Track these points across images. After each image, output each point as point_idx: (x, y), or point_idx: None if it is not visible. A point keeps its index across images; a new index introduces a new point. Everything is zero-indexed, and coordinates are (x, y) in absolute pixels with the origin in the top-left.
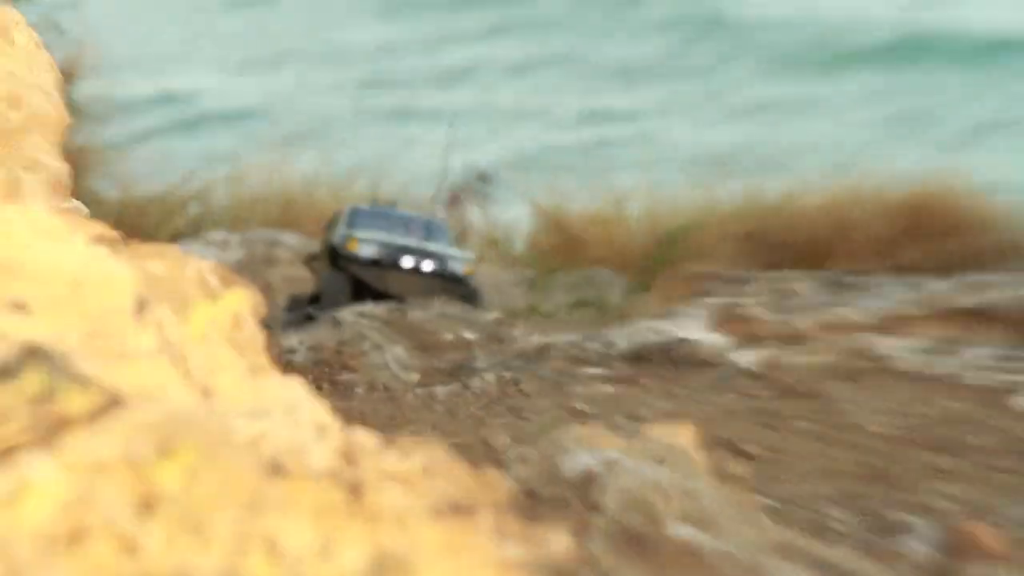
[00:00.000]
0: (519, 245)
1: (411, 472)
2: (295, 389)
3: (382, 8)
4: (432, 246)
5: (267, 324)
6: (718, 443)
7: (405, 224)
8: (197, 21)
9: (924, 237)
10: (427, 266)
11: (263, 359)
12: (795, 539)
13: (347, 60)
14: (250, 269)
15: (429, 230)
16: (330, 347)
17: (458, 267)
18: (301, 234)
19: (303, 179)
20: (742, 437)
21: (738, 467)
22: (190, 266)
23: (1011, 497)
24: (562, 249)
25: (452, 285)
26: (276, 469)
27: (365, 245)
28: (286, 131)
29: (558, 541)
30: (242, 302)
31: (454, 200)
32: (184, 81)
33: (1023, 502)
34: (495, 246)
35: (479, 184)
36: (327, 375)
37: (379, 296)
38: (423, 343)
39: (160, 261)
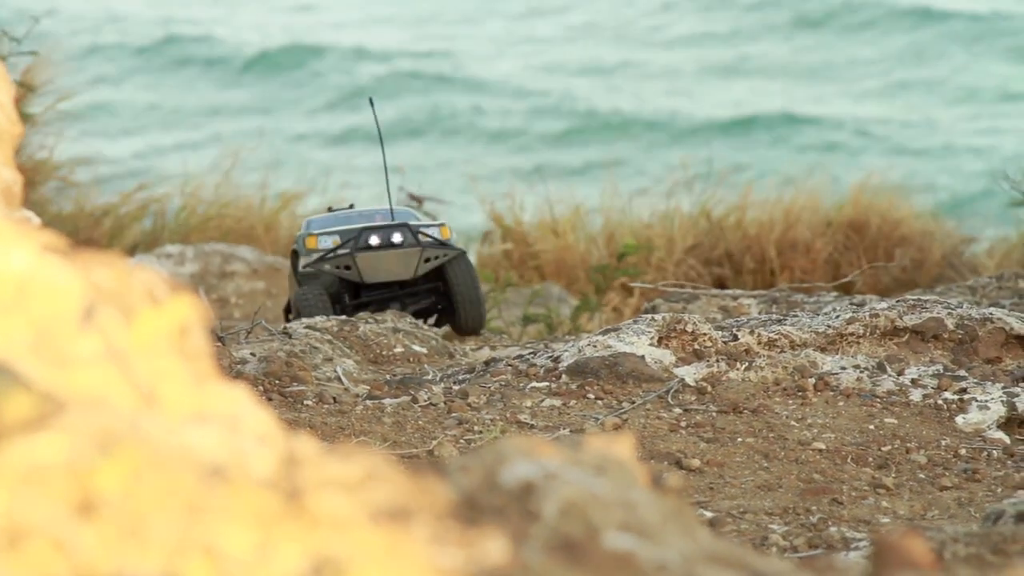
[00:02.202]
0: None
1: (351, 479)
2: (239, 398)
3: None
4: (397, 222)
5: (218, 336)
6: (662, 457)
7: (367, 217)
8: None
9: (867, 254)
10: (397, 238)
11: (208, 368)
12: (732, 550)
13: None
14: (205, 283)
15: (392, 216)
16: (280, 359)
17: (433, 231)
18: (257, 248)
19: (259, 193)
20: (685, 451)
21: (680, 481)
22: (137, 276)
23: (951, 513)
24: (516, 264)
25: (433, 251)
26: (216, 475)
27: (324, 237)
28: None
29: (495, 548)
30: (188, 312)
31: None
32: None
33: (963, 519)
34: None
35: (412, 204)
36: (277, 387)
37: (357, 290)
38: (374, 356)
39: (107, 270)
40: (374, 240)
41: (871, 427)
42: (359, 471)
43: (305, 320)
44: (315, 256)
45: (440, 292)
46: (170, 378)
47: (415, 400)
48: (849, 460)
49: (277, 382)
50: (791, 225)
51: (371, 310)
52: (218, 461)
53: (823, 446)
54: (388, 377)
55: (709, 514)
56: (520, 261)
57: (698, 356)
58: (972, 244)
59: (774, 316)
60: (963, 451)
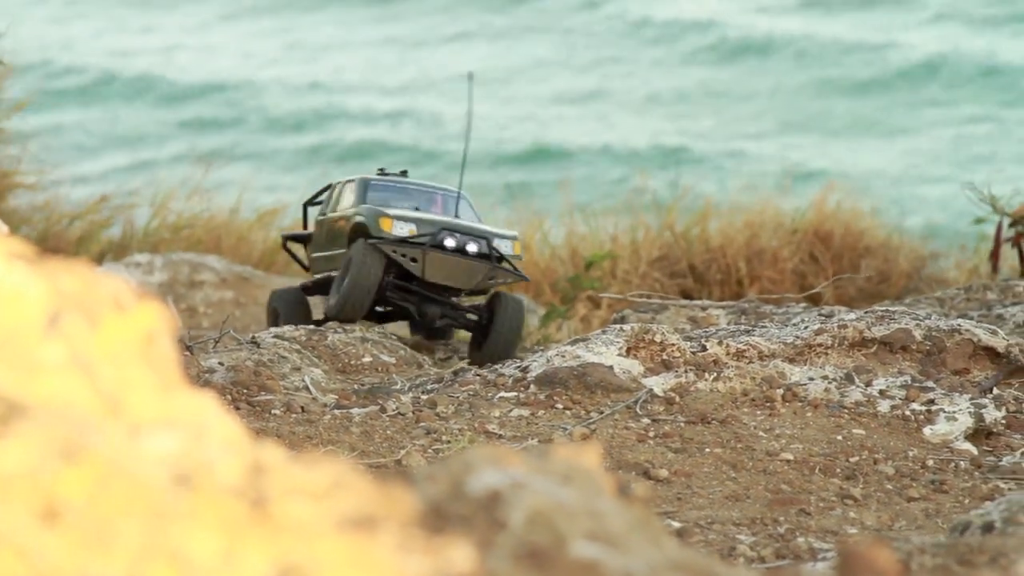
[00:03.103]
0: None
1: (317, 487)
2: (206, 406)
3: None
4: (472, 223)
5: (186, 345)
6: (630, 467)
7: (429, 198)
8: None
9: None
10: (472, 247)
11: (175, 376)
12: (697, 560)
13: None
14: (173, 292)
15: (456, 204)
16: (248, 368)
17: (506, 247)
18: (225, 258)
19: (228, 204)
20: (653, 461)
21: (648, 491)
22: (103, 284)
23: (919, 524)
24: None
25: (502, 274)
26: (181, 482)
27: (401, 223)
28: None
29: (460, 556)
30: (154, 319)
31: None
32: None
33: (931, 529)
34: None
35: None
36: (244, 396)
37: (407, 285)
38: (342, 366)
39: (73, 278)
40: (450, 243)
41: (839, 438)
42: (326, 479)
43: (273, 329)
44: (385, 237)
45: (481, 316)
46: (136, 385)
47: (383, 410)
48: (817, 471)
49: (245, 391)
50: (755, 234)
51: (387, 310)
52: (183, 468)
53: (791, 457)
54: (356, 387)
55: (677, 524)
56: None
57: (667, 366)
58: (938, 259)
59: (743, 327)
60: (931, 462)
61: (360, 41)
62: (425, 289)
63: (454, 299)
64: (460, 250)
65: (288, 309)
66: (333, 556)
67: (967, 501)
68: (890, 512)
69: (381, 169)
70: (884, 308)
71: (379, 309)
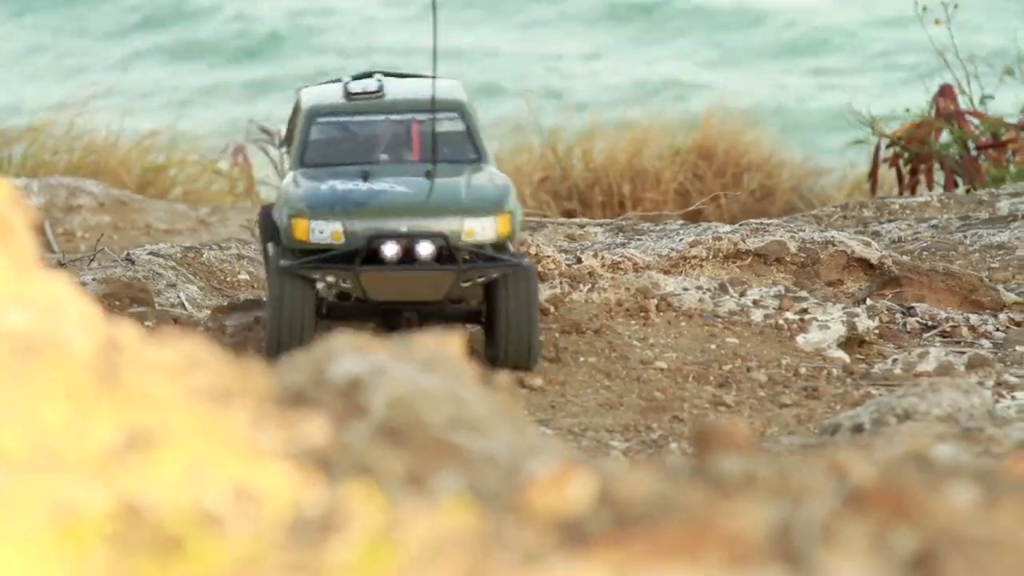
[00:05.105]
0: None
1: (172, 363)
2: (61, 287)
3: None
4: (436, 196)
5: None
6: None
7: (400, 133)
8: None
9: (716, 181)
10: (424, 250)
11: (31, 260)
12: (559, 446)
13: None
14: (50, 216)
15: (433, 141)
16: (121, 282)
17: (482, 229)
18: (104, 182)
19: (106, 128)
20: (528, 370)
21: (522, 398)
22: None
23: (791, 430)
24: None
25: (476, 271)
26: (32, 352)
27: (321, 224)
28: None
29: (315, 432)
30: (8, 204)
31: (238, 152)
32: None
33: (802, 435)
34: None
35: (262, 137)
36: (117, 308)
37: (355, 305)
38: (219, 283)
39: None
40: (389, 250)
41: (712, 347)
42: (181, 356)
43: (148, 246)
44: (302, 248)
45: (480, 311)
46: None
47: (257, 321)
48: (690, 379)
49: (117, 303)
50: (636, 153)
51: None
52: (35, 341)
53: (664, 365)
54: (230, 300)
55: (550, 432)
56: None
57: (542, 278)
58: (821, 176)
59: (619, 241)
60: (803, 370)
61: None
62: (381, 304)
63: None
64: (407, 259)
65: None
66: (183, 426)
67: (838, 407)
68: (763, 418)
69: (345, 83)
70: (759, 221)
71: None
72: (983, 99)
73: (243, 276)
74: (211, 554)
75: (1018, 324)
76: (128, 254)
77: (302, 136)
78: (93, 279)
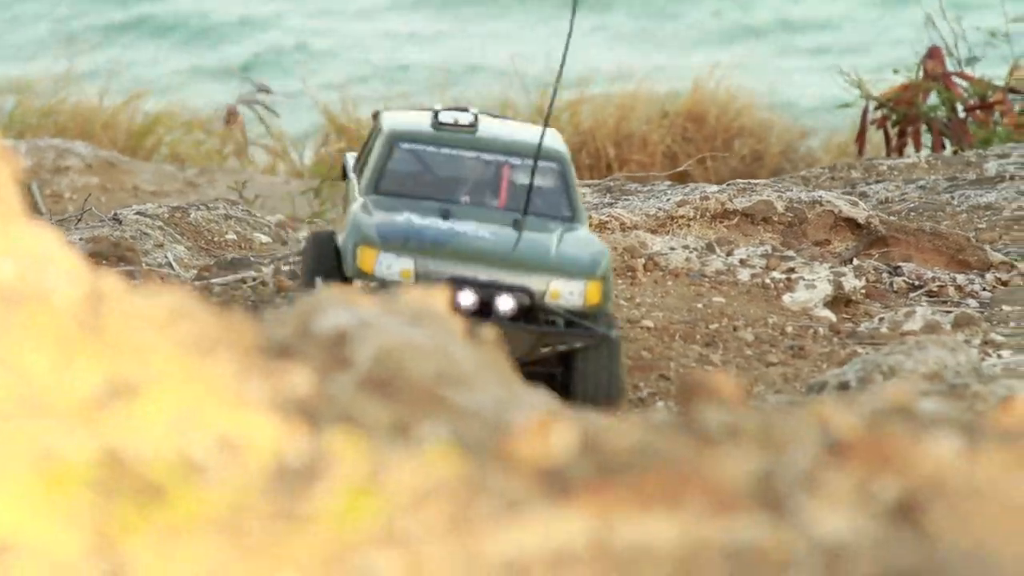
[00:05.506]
0: (308, 156)
1: (157, 314)
2: (48, 239)
3: None
4: (523, 248)
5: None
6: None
7: (489, 176)
8: None
9: (705, 145)
10: (505, 304)
11: (16, 211)
12: (545, 399)
13: None
14: (38, 178)
15: (528, 192)
16: (109, 241)
17: (570, 294)
18: (92, 144)
19: (96, 89)
20: None
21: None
22: None
23: (777, 388)
24: None
25: (554, 336)
26: (16, 301)
27: (389, 259)
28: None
29: (300, 382)
30: None
31: (231, 115)
32: None
33: (787, 391)
34: (282, 158)
35: (259, 96)
36: (103, 267)
37: None
38: (206, 243)
39: None
40: (465, 299)
41: (699, 306)
42: (166, 308)
43: (135, 207)
44: (368, 278)
45: (554, 370)
46: None
47: (243, 281)
48: (677, 338)
49: (104, 262)
50: (624, 117)
51: None
52: (21, 290)
53: (651, 324)
54: (217, 259)
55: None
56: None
57: None
58: (808, 137)
59: (606, 201)
60: (790, 329)
61: None
62: None
63: None
64: (484, 311)
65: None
66: (167, 376)
67: (825, 366)
68: (749, 377)
69: (436, 112)
70: (746, 181)
71: None
72: (970, 61)
73: (230, 236)
74: (194, 502)
75: (1004, 283)
76: (115, 214)
77: (380, 160)
78: (80, 239)
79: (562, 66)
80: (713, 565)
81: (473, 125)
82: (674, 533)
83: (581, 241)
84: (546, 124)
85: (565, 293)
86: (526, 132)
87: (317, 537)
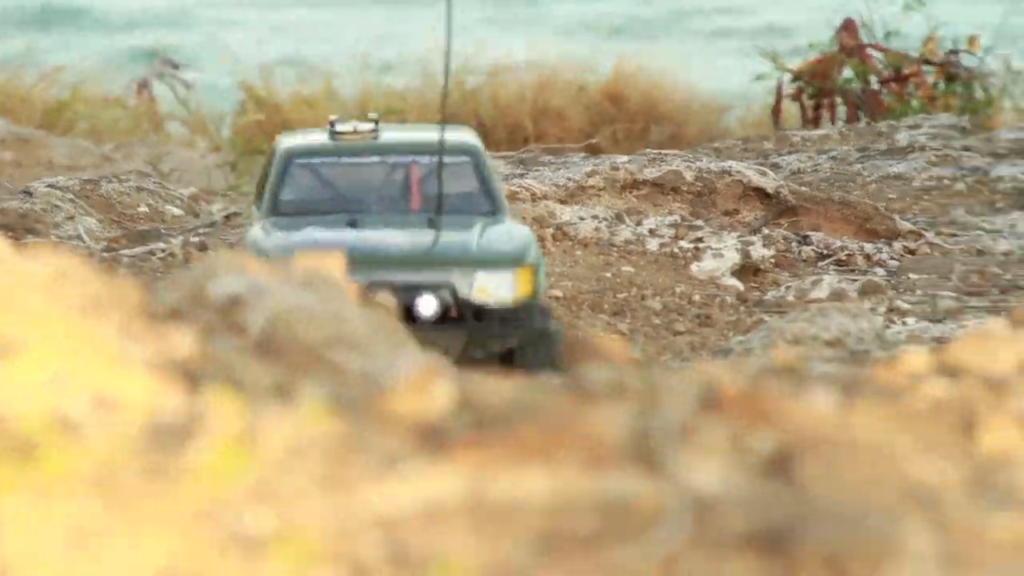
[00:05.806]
0: (225, 129)
1: (41, 275)
2: None
3: None
4: (441, 246)
5: None
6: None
7: (396, 178)
8: None
9: (622, 126)
10: (427, 307)
11: None
12: (438, 361)
13: None
14: None
15: (438, 195)
16: (16, 213)
17: (497, 286)
18: (7, 119)
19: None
20: None
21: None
22: None
23: (684, 356)
24: (267, 131)
25: (493, 342)
26: None
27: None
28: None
29: (182, 344)
30: None
31: (142, 87)
32: None
33: (693, 359)
34: (201, 133)
35: (167, 69)
36: (11, 238)
37: None
38: (117, 215)
39: None
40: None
41: (608, 275)
42: (51, 270)
43: (47, 179)
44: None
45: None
46: None
47: (152, 253)
48: (585, 307)
49: (11, 234)
50: (543, 92)
51: None
52: None
53: (560, 294)
54: (127, 231)
55: None
56: (273, 130)
57: None
58: (727, 113)
59: (518, 172)
60: (697, 297)
61: None
62: None
63: None
64: (405, 315)
65: None
66: (48, 335)
67: (731, 334)
68: (657, 346)
69: (332, 122)
70: (657, 152)
71: None
72: (887, 35)
73: (142, 208)
74: (68, 459)
75: (912, 252)
76: (27, 187)
77: (276, 180)
78: None
79: (448, 53)
80: (584, 517)
81: (374, 131)
82: (547, 486)
83: (504, 232)
84: (443, 107)
85: (492, 286)
86: (433, 131)
87: (189, 493)
